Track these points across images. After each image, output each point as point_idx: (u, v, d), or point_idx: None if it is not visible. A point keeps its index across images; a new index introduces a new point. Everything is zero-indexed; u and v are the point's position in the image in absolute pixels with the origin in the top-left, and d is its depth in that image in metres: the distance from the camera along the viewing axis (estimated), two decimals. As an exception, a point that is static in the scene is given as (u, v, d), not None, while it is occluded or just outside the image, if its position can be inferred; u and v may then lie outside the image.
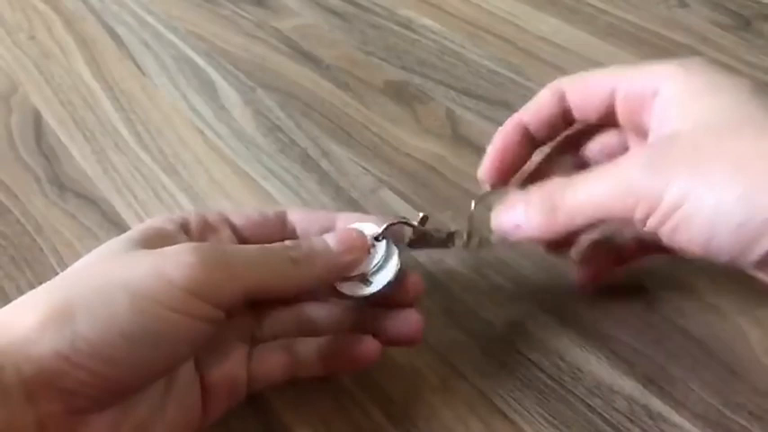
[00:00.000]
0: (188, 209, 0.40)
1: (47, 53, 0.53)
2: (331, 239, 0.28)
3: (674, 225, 0.24)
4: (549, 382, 0.31)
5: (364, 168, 0.42)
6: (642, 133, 0.29)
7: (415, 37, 0.53)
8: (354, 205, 0.40)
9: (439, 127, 0.45)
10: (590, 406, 0.30)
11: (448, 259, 0.36)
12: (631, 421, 0.29)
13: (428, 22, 0.55)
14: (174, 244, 0.26)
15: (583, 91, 0.31)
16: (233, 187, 0.41)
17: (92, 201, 0.41)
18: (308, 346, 0.29)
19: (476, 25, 0.54)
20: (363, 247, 0.29)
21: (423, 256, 0.36)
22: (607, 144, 0.32)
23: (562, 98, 0.31)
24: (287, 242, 0.28)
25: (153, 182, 0.42)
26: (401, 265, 0.29)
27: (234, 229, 0.29)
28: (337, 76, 0.50)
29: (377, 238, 0.30)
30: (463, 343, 0.33)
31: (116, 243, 0.27)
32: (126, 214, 0.40)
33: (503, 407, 0.30)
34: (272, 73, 0.50)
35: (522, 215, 0.28)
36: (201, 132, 0.45)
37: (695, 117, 0.26)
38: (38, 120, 0.47)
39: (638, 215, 0.25)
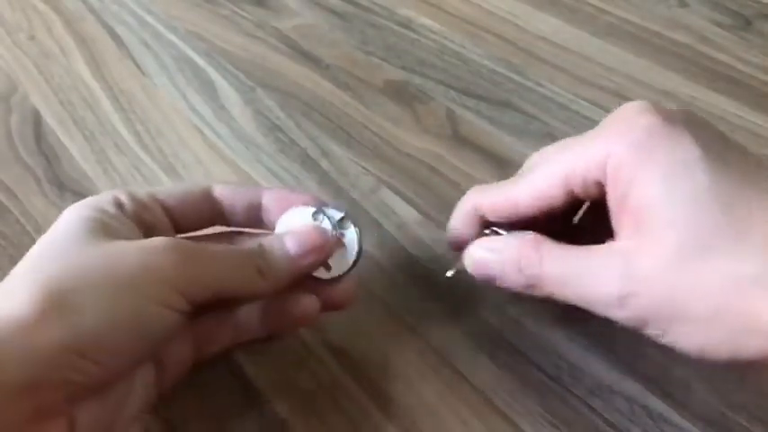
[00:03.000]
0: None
1: (47, 53, 0.53)
2: (291, 243, 0.29)
3: (659, 333, 0.25)
4: (549, 382, 0.31)
5: (364, 168, 0.42)
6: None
7: (415, 37, 0.53)
8: (354, 205, 0.39)
9: (439, 127, 0.45)
10: (590, 406, 0.30)
11: (448, 259, 0.36)
12: (632, 421, 0.29)
13: (428, 21, 0.55)
14: (122, 226, 0.28)
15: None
16: (233, 187, 0.41)
17: (91, 201, 0.40)
18: (250, 309, 0.31)
19: (476, 25, 0.54)
20: (324, 247, 0.29)
21: (422, 255, 0.36)
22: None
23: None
24: (253, 248, 0.29)
25: (153, 182, 0.42)
26: (360, 245, 0.30)
27: (164, 207, 0.30)
28: (337, 75, 0.50)
29: (339, 221, 0.30)
30: (463, 343, 0.33)
31: (76, 225, 0.27)
32: (126, 214, 0.39)
33: (503, 407, 0.30)
34: (272, 73, 0.50)
35: (496, 271, 0.28)
36: (201, 132, 0.45)
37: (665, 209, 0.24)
38: (37, 120, 0.47)
39: (621, 314, 0.25)
